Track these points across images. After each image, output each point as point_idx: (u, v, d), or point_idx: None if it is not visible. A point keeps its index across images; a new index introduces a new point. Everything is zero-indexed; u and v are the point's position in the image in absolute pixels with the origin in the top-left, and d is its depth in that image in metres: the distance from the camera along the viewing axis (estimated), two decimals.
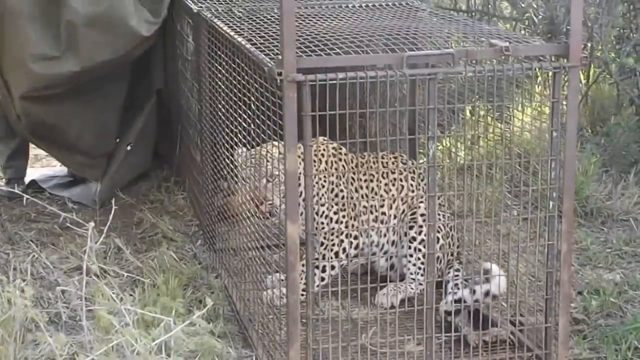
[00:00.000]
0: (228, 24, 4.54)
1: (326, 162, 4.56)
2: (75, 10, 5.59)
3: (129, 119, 6.20)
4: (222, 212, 4.98)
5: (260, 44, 3.95)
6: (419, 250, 4.54)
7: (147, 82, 6.25)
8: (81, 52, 5.65)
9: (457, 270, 4.58)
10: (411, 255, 4.57)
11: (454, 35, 4.03)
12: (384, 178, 4.61)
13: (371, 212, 4.63)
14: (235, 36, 4.23)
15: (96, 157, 6.13)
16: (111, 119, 6.12)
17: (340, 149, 4.53)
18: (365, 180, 4.62)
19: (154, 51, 6.22)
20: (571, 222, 3.76)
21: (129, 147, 6.13)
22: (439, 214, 4.43)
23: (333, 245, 4.52)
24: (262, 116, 3.93)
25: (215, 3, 5.21)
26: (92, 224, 3.55)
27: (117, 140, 6.22)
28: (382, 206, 4.61)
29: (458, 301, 4.14)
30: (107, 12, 5.61)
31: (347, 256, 4.43)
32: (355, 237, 4.55)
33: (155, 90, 6.25)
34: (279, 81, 3.43)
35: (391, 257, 4.64)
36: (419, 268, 4.56)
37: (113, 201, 4.51)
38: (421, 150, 5.29)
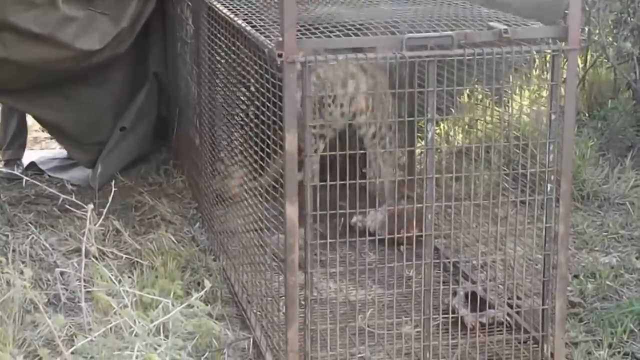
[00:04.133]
0: (228, 6, 4.54)
1: None
2: (21, 28, 5.53)
3: (125, 102, 6.21)
4: (221, 194, 4.99)
5: (260, 26, 3.97)
6: None
7: (144, 65, 6.25)
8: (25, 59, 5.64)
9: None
10: None
11: (453, 18, 4.03)
12: None
13: None
14: (235, 19, 4.24)
15: (90, 144, 6.13)
16: (107, 105, 6.11)
17: None
18: None
19: (152, 35, 6.22)
20: (568, 205, 3.78)
21: (120, 131, 6.13)
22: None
23: None
24: (261, 98, 3.94)
25: None
26: (91, 206, 3.56)
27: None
28: None
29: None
30: (52, 34, 5.57)
31: None
32: None
33: (152, 73, 6.25)
34: (279, 63, 3.45)
35: None
36: None
37: (112, 183, 4.52)
38: (419, 134, 5.31)
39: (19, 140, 6.46)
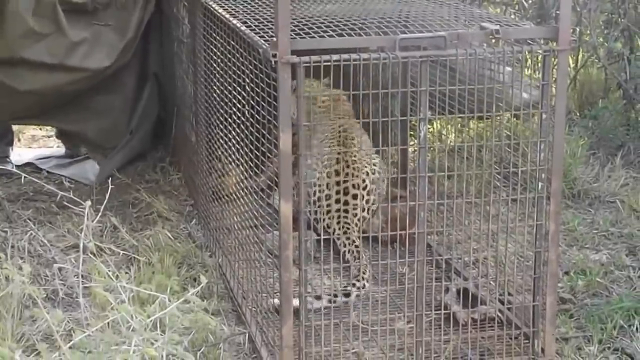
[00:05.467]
0: (223, 6, 4.58)
1: None
2: (33, 61, 5.66)
3: (135, 103, 6.27)
4: (216, 191, 5.03)
5: (255, 26, 4.00)
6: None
7: (145, 66, 6.30)
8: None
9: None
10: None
11: (446, 18, 4.07)
12: None
13: None
14: (230, 18, 4.28)
15: (111, 148, 6.21)
16: (121, 108, 6.18)
17: None
18: None
19: (151, 35, 6.26)
20: (559, 203, 3.81)
21: (130, 134, 6.22)
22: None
23: None
24: (256, 97, 3.98)
25: None
26: (88, 202, 3.58)
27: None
28: None
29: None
30: (62, 62, 5.68)
31: None
32: None
33: (152, 73, 6.30)
34: (273, 63, 3.48)
35: None
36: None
37: (109, 180, 4.56)
38: (412, 133, 5.35)
39: (6, 138, 6.48)
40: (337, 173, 4.99)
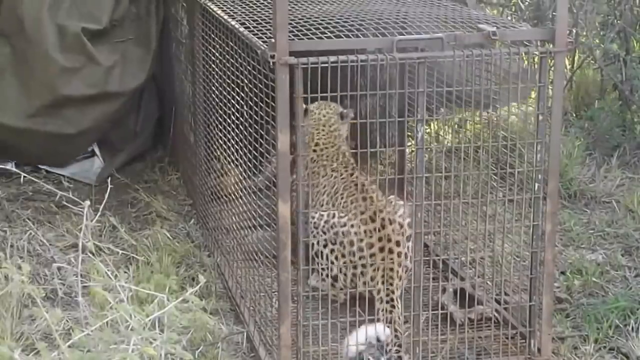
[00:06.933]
0: (221, 7, 4.60)
1: None
2: (75, 96, 5.71)
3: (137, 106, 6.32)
4: (215, 192, 5.05)
5: (254, 27, 4.02)
6: None
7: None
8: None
9: None
10: None
11: (443, 20, 4.09)
12: None
13: None
14: (229, 19, 4.30)
15: (123, 150, 6.28)
16: (130, 110, 6.22)
17: None
18: None
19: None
20: (555, 203, 3.84)
21: (134, 135, 6.27)
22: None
23: None
24: (254, 98, 4.00)
25: None
26: (87, 202, 3.60)
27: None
28: None
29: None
30: (103, 90, 5.74)
31: None
32: None
33: (151, 75, 6.32)
34: (271, 64, 3.50)
35: None
36: None
37: (109, 180, 4.58)
38: (409, 133, 5.37)
39: None
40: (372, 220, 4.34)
